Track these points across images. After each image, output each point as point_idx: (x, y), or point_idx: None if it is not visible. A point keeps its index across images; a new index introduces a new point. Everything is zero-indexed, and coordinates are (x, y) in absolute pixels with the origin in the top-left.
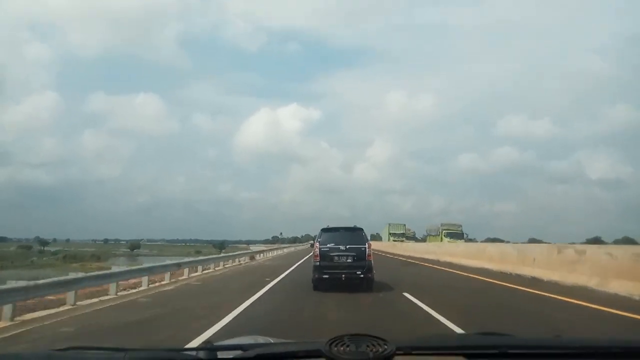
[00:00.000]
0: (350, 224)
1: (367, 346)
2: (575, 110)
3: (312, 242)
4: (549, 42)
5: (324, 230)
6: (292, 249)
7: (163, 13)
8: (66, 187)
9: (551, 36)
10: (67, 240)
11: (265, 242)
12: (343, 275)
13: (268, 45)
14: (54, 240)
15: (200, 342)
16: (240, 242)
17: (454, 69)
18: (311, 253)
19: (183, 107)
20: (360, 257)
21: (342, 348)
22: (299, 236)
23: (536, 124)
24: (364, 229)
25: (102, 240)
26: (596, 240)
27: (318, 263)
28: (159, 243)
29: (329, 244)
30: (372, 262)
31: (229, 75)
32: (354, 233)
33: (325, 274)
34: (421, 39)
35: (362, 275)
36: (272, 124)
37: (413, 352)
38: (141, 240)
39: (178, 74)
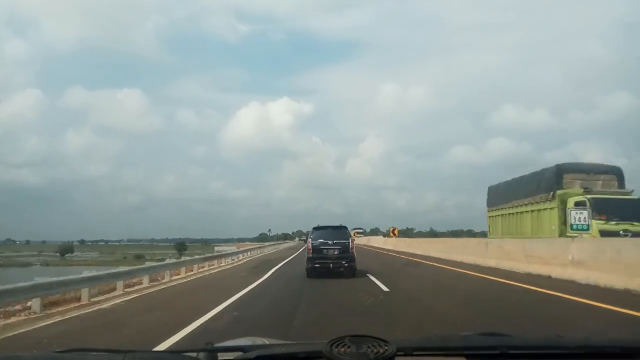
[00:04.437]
0: (344, 221)
1: (368, 347)
2: (571, 99)
3: (298, 238)
4: (543, 30)
5: (315, 228)
6: (267, 249)
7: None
8: (50, 187)
9: (546, 23)
10: (43, 242)
11: (254, 240)
12: (331, 265)
13: (254, 39)
14: (27, 242)
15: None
16: (231, 240)
17: (448, 61)
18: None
19: (168, 104)
20: (345, 249)
21: (343, 349)
22: (291, 233)
23: (531, 115)
24: (362, 227)
25: (78, 241)
26: None
27: (311, 255)
28: (141, 243)
29: (320, 239)
30: (355, 254)
31: (216, 71)
32: (340, 230)
33: (317, 263)
34: (414, 29)
35: (346, 265)
36: (262, 120)
37: (414, 352)
38: (121, 240)
39: (163, 70)
